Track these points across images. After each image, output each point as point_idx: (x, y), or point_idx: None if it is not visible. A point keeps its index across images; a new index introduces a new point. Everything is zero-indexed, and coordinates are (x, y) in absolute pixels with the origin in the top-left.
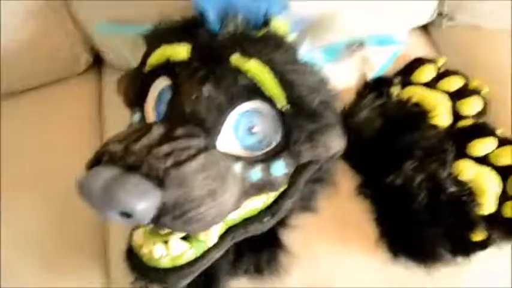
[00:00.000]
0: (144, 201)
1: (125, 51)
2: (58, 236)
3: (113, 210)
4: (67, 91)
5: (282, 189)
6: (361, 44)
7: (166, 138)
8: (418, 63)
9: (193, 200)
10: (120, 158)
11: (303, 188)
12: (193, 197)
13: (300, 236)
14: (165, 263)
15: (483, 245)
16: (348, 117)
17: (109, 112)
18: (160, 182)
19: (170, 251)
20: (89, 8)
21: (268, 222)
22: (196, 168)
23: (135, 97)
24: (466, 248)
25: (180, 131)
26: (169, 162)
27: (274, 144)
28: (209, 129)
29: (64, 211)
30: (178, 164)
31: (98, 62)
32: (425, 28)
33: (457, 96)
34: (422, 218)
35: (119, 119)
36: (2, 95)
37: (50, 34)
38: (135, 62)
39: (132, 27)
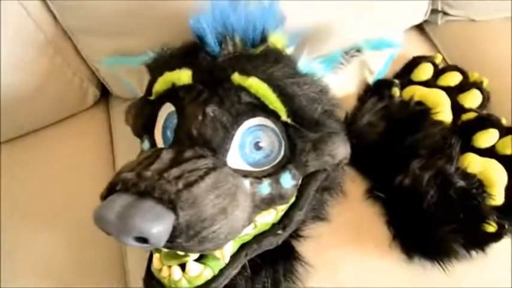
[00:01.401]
0: (159, 225)
1: (130, 82)
2: (76, 266)
3: (129, 236)
4: (77, 126)
5: (291, 201)
6: (357, 50)
7: (176, 161)
8: (416, 62)
9: (206, 219)
10: (132, 185)
11: (313, 198)
12: (205, 216)
13: (314, 246)
14: (185, 284)
15: (497, 237)
16: (351, 123)
17: (120, 142)
18: (172, 204)
19: (188, 273)
20: (92, 42)
21: (280, 236)
22: (206, 187)
23: (143, 126)
24: (480, 241)
25: (188, 154)
26: (180, 184)
27: (280, 157)
28: (216, 148)
29: (81, 242)
30: (188, 185)
31: (105, 94)
32: (420, 27)
33: (458, 90)
34: (433, 215)
35: (130, 148)
36: (13, 138)
37: (58, 74)
38: (141, 91)
39: (136, 57)
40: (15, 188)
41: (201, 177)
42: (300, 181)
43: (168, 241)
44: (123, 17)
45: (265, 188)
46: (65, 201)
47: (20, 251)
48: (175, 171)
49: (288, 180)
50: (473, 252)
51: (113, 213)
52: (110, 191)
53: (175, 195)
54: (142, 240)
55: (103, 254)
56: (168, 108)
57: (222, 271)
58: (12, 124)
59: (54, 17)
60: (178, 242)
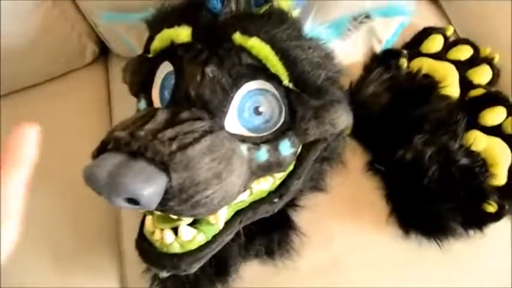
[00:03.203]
0: (150, 186)
1: (130, 39)
2: (70, 228)
3: (119, 196)
4: (75, 83)
5: (289, 170)
6: (367, 17)
7: (171, 122)
8: (426, 33)
9: (199, 183)
10: (125, 144)
11: (312, 168)
12: (199, 180)
13: (311, 216)
14: (177, 248)
15: (496, 217)
16: (355, 92)
17: (117, 101)
18: (165, 166)
19: (181, 237)
20: None
21: (277, 204)
22: (201, 150)
23: (140, 84)
24: (479, 221)
25: (184, 115)
26: (174, 146)
27: (280, 123)
28: (214, 110)
29: (76, 201)
30: (183, 147)
31: (104, 52)
32: None
33: (468, 65)
34: (434, 192)
35: (127, 107)
36: (10, 92)
37: (55, 27)
38: (140, 49)
39: (136, 14)
40: None
41: (196, 140)
42: (299, 149)
43: (159, 204)
44: None
45: (263, 154)
46: (60, 160)
47: None
48: (169, 132)
49: (287, 148)
50: (471, 232)
51: (103, 173)
52: (102, 149)
53: (168, 156)
54: (133, 201)
55: (98, 215)
56: (166, 67)
57: (215, 237)
58: (10, 77)
59: None
60: (170, 205)
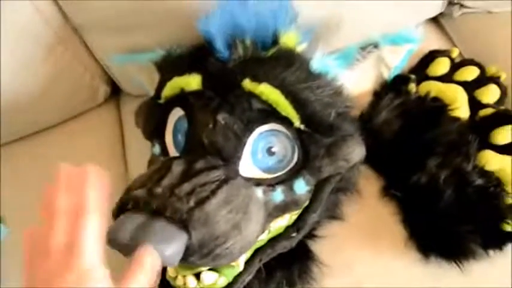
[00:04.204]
0: (171, 247)
1: (141, 79)
2: None
3: None
4: (88, 123)
5: (305, 205)
6: (375, 46)
7: (187, 174)
8: (432, 56)
9: (219, 237)
10: (144, 203)
11: (327, 199)
12: (217, 234)
13: (329, 245)
14: None
15: None
16: (367, 120)
17: (130, 139)
18: (184, 224)
19: (203, 282)
20: (102, 39)
21: (294, 238)
22: (218, 203)
23: (153, 129)
24: (498, 240)
25: (199, 165)
26: (191, 202)
27: (293, 163)
28: (228, 157)
29: None
30: (200, 202)
31: (115, 91)
32: (436, 20)
33: (475, 85)
34: (451, 214)
35: (140, 145)
36: (25, 135)
37: (68, 71)
38: (151, 88)
39: (145, 54)
40: (30, 184)
41: (213, 192)
42: (313, 186)
43: (181, 259)
44: (132, 13)
45: (278, 195)
46: None
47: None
48: (186, 187)
49: (302, 187)
50: (491, 252)
51: (125, 236)
52: (122, 208)
53: (187, 214)
54: None
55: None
56: (177, 113)
57: (236, 278)
58: (24, 122)
59: (64, 14)
60: (191, 260)
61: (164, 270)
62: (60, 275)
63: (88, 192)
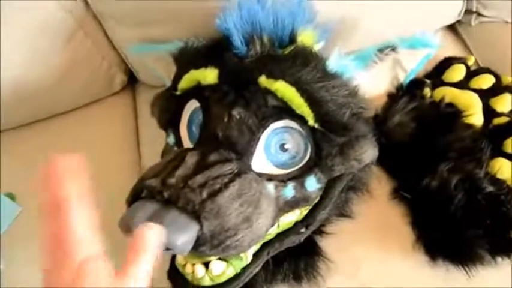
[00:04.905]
0: (183, 236)
1: (157, 70)
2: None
3: None
4: (104, 110)
5: (315, 202)
6: (392, 49)
7: (200, 166)
8: (448, 62)
9: (229, 229)
10: (157, 192)
11: (338, 197)
12: (229, 226)
13: (337, 242)
14: (207, 281)
15: None
16: (381, 122)
17: (145, 128)
18: (197, 215)
19: (211, 271)
20: (121, 29)
21: (303, 234)
22: (231, 196)
23: (169, 120)
24: (506, 248)
25: (213, 157)
26: (204, 193)
27: (306, 160)
28: (242, 151)
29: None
30: (213, 194)
31: (132, 80)
32: (453, 27)
33: (490, 93)
34: (460, 219)
35: (154, 134)
36: (41, 119)
37: (87, 58)
38: (168, 79)
39: (163, 45)
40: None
41: (226, 185)
42: (324, 184)
43: (192, 249)
44: (152, 6)
45: (289, 191)
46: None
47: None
48: (199, 178)
49: (313, 184)
50: (499, 259)
51: (138, 224)
52: (136, 196)
53: (199, 205)
54: (167, 249)
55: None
56: (193, 104)
57: (244, 269)
58: (44, 105)
59: (85, 1)
60: (202, 249)
61: (174, 257)
62: (57, 274)
63: (67, 184)
